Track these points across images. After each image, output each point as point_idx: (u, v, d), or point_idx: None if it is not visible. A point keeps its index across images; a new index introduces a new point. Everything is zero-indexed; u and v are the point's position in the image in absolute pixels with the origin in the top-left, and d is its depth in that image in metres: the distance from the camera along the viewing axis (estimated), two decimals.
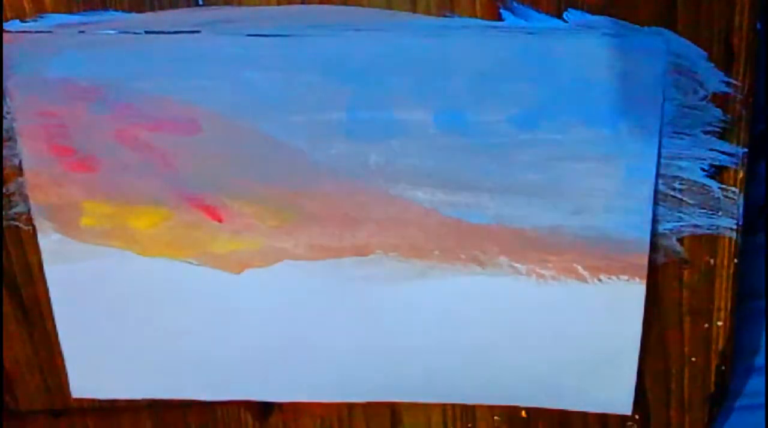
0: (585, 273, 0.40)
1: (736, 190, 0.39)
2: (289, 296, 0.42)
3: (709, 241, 0.40)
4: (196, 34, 0.38)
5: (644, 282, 0.40)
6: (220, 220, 0.41)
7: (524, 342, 0.42)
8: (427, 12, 0.37)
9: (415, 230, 0.40)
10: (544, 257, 0.40)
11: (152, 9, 0.38)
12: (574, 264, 0.40)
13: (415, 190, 0.40)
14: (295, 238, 0.41)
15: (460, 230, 0.40)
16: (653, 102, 0.37)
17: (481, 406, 0.44)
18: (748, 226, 0.40)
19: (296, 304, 0.42)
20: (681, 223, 0.40)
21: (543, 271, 0.40)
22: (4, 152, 0.41)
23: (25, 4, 0.38)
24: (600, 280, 0.40)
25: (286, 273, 0.41)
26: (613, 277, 0.40)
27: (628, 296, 0.40)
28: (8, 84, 0.39)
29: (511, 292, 0.41)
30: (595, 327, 0.41)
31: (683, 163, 0.39)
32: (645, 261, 0.40)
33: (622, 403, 0.43)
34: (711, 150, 0.39)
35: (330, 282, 0.41)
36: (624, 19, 0.37)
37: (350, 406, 0.45)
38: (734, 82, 0.37)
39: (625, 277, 0.40)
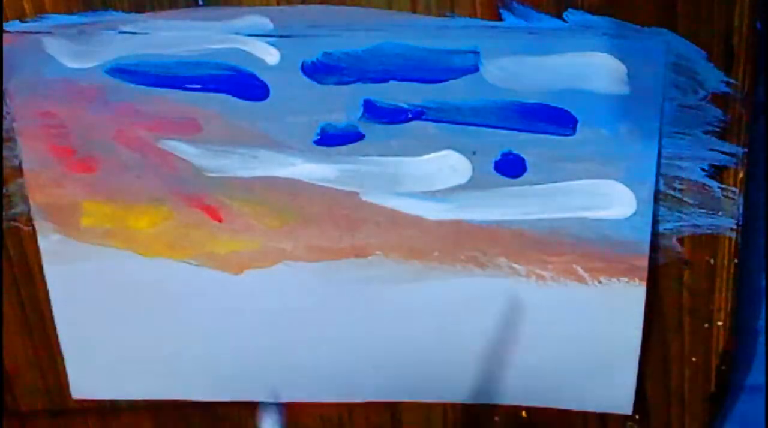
0: (585, 275, 0.40)
1: (736, 190, 0.39)
2: (289, 297, 0.42)
3: (709, 241, 0.40)
4: (196, 34, 0.38)
5: (644, 283, 0.40)
6: (219, 220, 0.41)
7: (524, 342, 0.42)
8: (427, 12, 0.37)
9: (414, 231, 0.40)
10: (543, 258, 0.40)
11: (152, 9, 0.38)
12: (574, 266, 0.40)
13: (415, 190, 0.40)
14: (294, 239, 0.41)
15: (459, 231, 0.40)
16: (653, 102, 0.37)
17: (481, 406, 0.44)
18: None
19: (296, 305, 0.42)
20: (681, 223, 0.40)
21: (543, 273, 0.40)
22: (4, 152, 0.41)
23: (25, 4, 0.38)
24: (600, 282, 0.40)
25: (285, 274, 0.41)
26: (613, 279, 0.40)
27: (628, 298, 0.40)
28: (8, 84, 0.39)
29: (511, 293, 0.41)
30: (595, 328, 0.41)
31: (683, 163, 0.39)
32: (645, 262, 0.40)
33: (622, 403, 0.43)
34: (711, 150, 0.39)
35: (329, 283, 0.41)
36: (624, 19, 0.37)
37: (350, 406, 0.45)
38: (734, 82, 0.37)
39: (625, 279, 0.40)
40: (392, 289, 0.41)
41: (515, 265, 0.40)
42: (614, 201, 0.39)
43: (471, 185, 0.39)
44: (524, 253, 0.40)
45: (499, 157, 0.39)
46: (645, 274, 0.40)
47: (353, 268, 0.41)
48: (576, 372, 0.42)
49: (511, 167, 0.39)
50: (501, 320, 0.41)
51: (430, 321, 0.42)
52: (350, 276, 0.41)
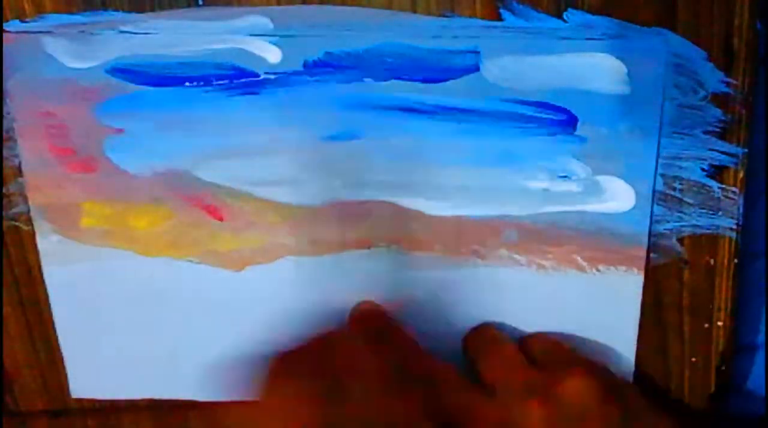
0: (584, 264, 0.41)
1: (736, 190, 0.39)
2: (291, 292, 0.42)
3: (709, 241, 0.40)
4: (196, 34, 0.38)
5: (642, 272, 0.40)
6: (220, 219, 0.41)
7: (524, 332, 0.42)
8: (427, 12, 0.37)
9: (416, 225, 0.40)
10: (543, 249, 0.40)
11: (152, 9, 0.38)
12: (574, 255, 0.40)
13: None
14: (296, 234, 0.41)
15: (460, 225, 0.40)
16: (653, 102, 0.38)
17: None
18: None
19: (297, 300, 0.42)
20: (681, 223, 0.40)
21: (543, 262, 0.41)
22: (4, 152, 0.41)
23: (25, 4, 0.38)
24: (599, 270, 0.40)
25: (287, 269, 0.41)
26: (612, 268, 0.40)
27: (626, 286, 0.40)
28: (8, 84, 0.39)
29: (512, 282, 0.41)
30: (594, 317, 0.41)
31: (683, 163, 0.39)
32: (643, 253, 0.40)
33: None
34: (711, 150, 0.39)
35: (331, 277, 0.41)
36: (624, 19, 0.37)
37: None
38: (734, 82, 0.37)
39: (623, 268, 0.40)
40: (395, 280, 0.41)
41: (516, 256, 0.41)
42: (613, 196, 0.39)
43: (472, 182, 0.39)
44: (525, 245, 0.40)
45: (499, 156, 0.39)
46: (643, 264, 0.40)
47: (356, 260, 0.41)
48: None
49: (511, 165, 0.39)
50: (501, 310, 0.41)
51: (431, 314, 0.42)
52: (353, 269, 0.41)
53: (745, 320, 0.42)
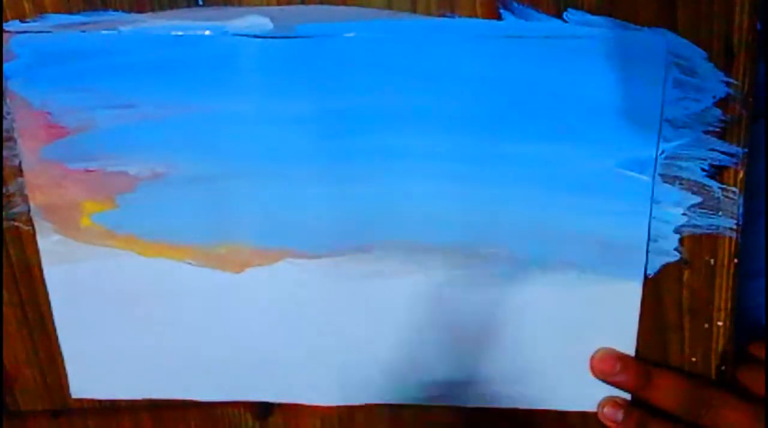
0: (584, 265, 0.40)
1: (736, 190, 0.39)
2: (290, 295, 0.42)
3: (709, 241, 0.40)
4: (196, 35, 0.38)
5: (641, 278, 0.40)
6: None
7: (525, 340, 0.42)
8: (427, 12, 0.37)
9: (416, 226, 0.40)
10: (543, 253, 0.40)
11: (152, 9, 0.38)
12: (573, 260, 0.40)
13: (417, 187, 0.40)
14: (296, 236, 0.41)
15: (460, 226, 0.40)
16: (653, 102, 0.38)
17: (481, 407, 0.44)
18: None
19: (297, 303, 0.42)
20: (681, 223, 0.40)
21: (543, 267, 0.41)
22: (4, 152, 0.41)
23: (25, 4, 0.38)
24: (599, 272, 0.40)
25: (286, 272, 0.41)
26: (612, 269, 0.40)
27: (626, 286, 0.40)
28: (8, 84, 0.39)
29: (512, 283, 0.41)
30: (594, 323, 0.41)
31: (683, 163, 0.39)
32: (643, 257, 0.40)
33: None
34: (711, 150, 0.39)
35: (331, 280, 0.41)
36: (624, 19, 0.37)
37: (350, 406, 0.45)
38: (734, 82, 0.37)
39: (623, 273, 0.40)
40: (394, 285, 0.41)
41: (516, 259, 0.40)
42: (613, 200, 0.39)
43: (472, 183, 0.39)
44: (524, 248, 0.40)
45: (500, 155, 0.39)
46: (642, 270, 0.40)
47: (355, 264, 0.41)
48: (575, 371, 0.42)
49: (511, 165, 0.39)
50: (501, 315, 0.41)
51: (431, 319, 0.42)
52: (352, 273, 0.41)
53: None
